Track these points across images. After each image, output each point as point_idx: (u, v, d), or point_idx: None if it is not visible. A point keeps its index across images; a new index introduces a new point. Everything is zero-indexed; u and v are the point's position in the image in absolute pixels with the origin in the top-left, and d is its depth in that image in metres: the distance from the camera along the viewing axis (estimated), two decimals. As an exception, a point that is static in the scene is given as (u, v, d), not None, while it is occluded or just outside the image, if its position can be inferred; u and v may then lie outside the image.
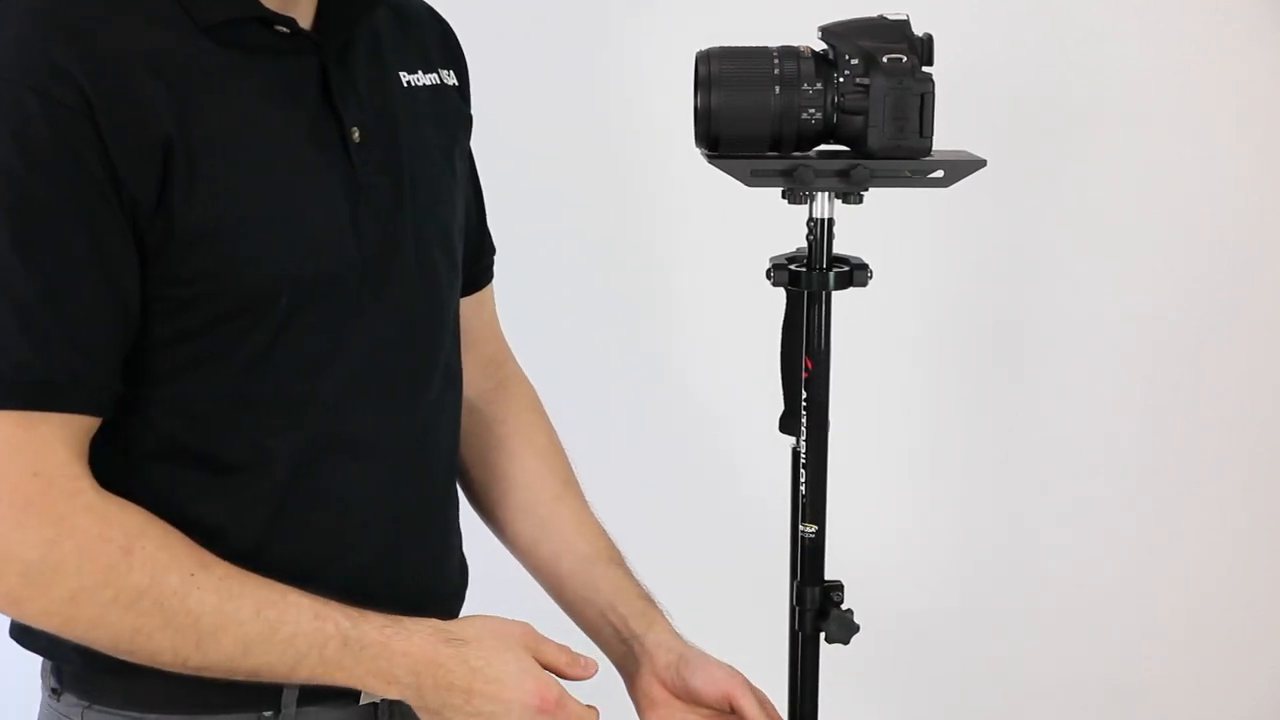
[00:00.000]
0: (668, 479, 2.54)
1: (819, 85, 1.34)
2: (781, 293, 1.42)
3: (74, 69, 1.16)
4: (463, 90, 1.49)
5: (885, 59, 1.34)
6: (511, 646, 1.28)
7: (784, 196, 1.38)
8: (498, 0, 2.40)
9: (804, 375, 1.40)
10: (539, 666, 1.29)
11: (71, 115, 1.16)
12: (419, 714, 1.28)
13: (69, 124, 1.16)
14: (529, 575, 1.56)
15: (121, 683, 1.28)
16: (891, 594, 2.36)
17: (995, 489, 2.58)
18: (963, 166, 1.37)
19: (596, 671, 1.34)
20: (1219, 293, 2.51)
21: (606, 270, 2.52)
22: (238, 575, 1.21)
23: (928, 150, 1.36)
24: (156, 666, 1.20)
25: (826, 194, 1.38)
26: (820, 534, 1.42)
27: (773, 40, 1.37)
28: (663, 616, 1.49)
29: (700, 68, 1.35)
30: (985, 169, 1.39)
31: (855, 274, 1.41)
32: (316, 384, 1.29)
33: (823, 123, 1.35)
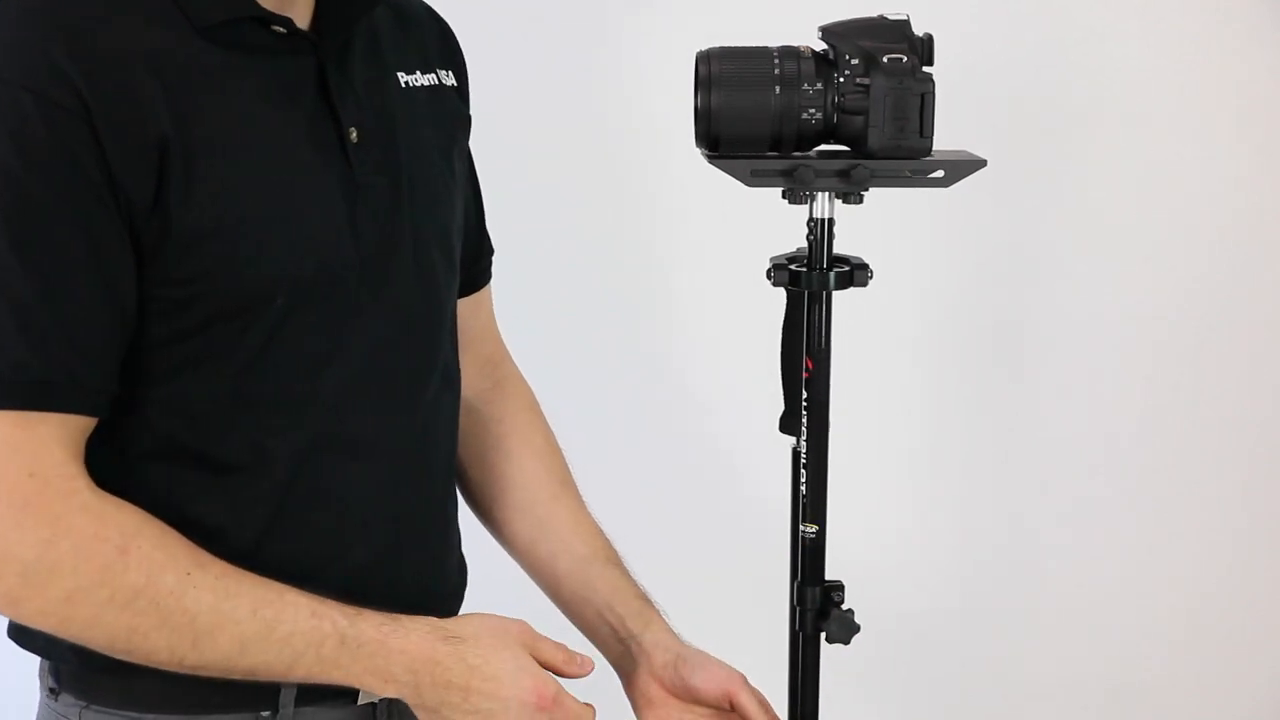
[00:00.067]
0: (668, 479, 2.54)
1: (819, 85, 1.34)
2: (781, 293, 1.42)
3: (71, 70, 1.16)
4: (461, 90, 1.49)
5: (885, 59, 1.34)
6: (509, 644, 1.28)
7: (784, 196, 1.38)
8: (498, 0, 2.40)
9: (804, 375, 1.40)
10: (536, 664, 1.29)
11: (68, 116, 1.16)
12: (416, 712, 1.28)
13: (66, 125, 1.16)
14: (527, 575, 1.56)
15: (119, 682, 1.28)
16: (891, 594, 2.36)
17: (995, 489, 2.58)
18: (963, 166, 1.37)
19: (593, 669, 1.34)
20: (1219, 293, 2.51)
21: (607, 270, 2.52)
22: (234, 574, 1.21)
23: (928, 150, 1.36)
24: (153, 666, 1.20)
25: (826, 194, 1.38)
26: (821, 534, 1.42)
27: (773, 40, 1.37)
28: (660, 616, 1.49)
29: (700, 68, 1.35)
30: (985, 169, 1.39)
31: (855, 274, 1.41)
32: (315, 384, 1.29)
33: (823, 123, 1.35)
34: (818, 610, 1.43)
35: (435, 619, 1.28)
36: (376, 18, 1.38)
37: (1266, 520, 2.57)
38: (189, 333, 1.23)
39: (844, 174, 1.36)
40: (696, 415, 2.54)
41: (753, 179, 1.37)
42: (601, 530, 1.54)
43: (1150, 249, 2.50)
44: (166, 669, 1.21)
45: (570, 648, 1.33)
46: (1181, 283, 2.51)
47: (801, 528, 1.42)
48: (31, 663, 1.35)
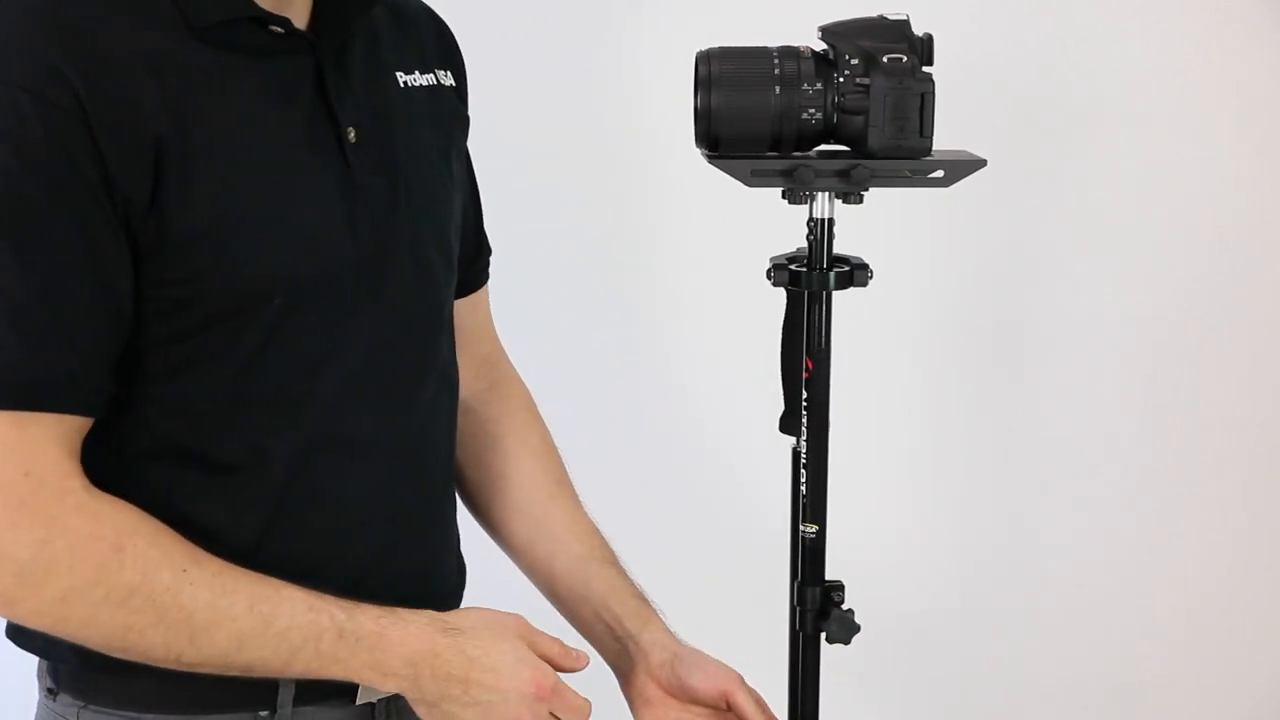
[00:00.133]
0: (668, 479, 2.54)
1: (819, 85, 1.34)
2: (782, 293, 1.42)
3: (68, 70, 1.16)
4: (460, 90, 1.49)
5: (885, 59, 1.34)
6: (507, 636, 1.29)
7: (784, 196, 1.38)
8: (498, 0, 2.40)
9: (804, 375, 1.40)
10: (534, 655, 1.29)
11: (65, 117, 1.16)
12: (415, 707, 1.28)
13: (63, 125, 1.16)
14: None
15: (117, 682, 1.28)
16: (891, 594, 2.36)
17: (995, 489, 2.58)
18: (963, 166, 1.37)
19: (588, 664, 1.35)
20: (1219, 293, 2.51)
21: (607, 270, 2.52)
22: (230, 571, 1.21)
23: (928, 150, 1.36)
24: (151, 663, 1.20)
25: (826, 194, 1.38)
26: (821, 534, 1.42)
27: (773, 40, 1.37)
28: (657, 615, 1.49)
29: (700, 68, 1.35)
30: (985, 169, 1.39)
31: (855, 274, 1.41)
32: (313, 384, 1.29)
33: (823, 123, 1.35)
34: (818, 610, 1.43)
35: (434, 612, 1.29)
36: (375, 18, 1.38)
37: (1266, 520, 2.57)
38: (187, 333, 1.23)
39: (844, 174, 1.36)
40: (696, 415, 2.54)
41: (753, 179, 1.37)
42: (598, 530, 1.54)
43: (1150, 249, 2.50)
44: (164, 667, 1.21)
45: (565, 643, 1.33)
46: (1181, 283, 2.51)
47: (801, 528, 1.43)
48: (31, 663, 1.35)
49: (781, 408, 1.43)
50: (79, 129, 1.16)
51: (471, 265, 1.54)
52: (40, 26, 1.17)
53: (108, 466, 1.22)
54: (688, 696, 1.44)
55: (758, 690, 1.46)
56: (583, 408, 2.42)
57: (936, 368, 2.55)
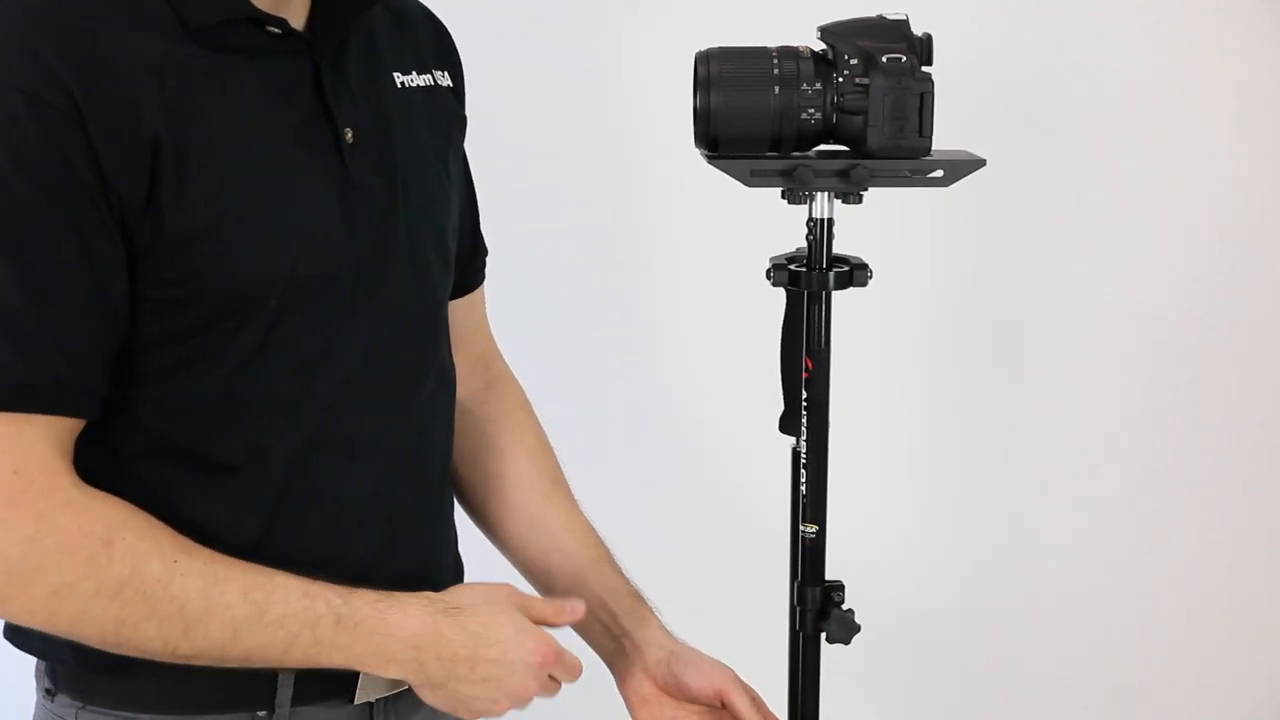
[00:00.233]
0: (668, 479, 2.54)
1: (818, 85, 1.34)
2: (781, 293, 1.42)
3: (63, 71, 1.16)
4: (457, 91, 1.49)
5: (884, 59, 1.34)
6: (505, 608, 1.30)
7: (784, 196, 1.38)
8: (498, 0, 2.40)
9: (804, 375, 1.40)
10: (532, 623, 1.30)
11: (60, 117, 1.16)
12: (419, 691, 1.28)
13: (58, 126, 1.16)
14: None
15: (115, 683, 1.28)
16: (891, 594, 2.36)
17: (995, 489, 2.58)
18: (962, 166, 1.37)
19: (584, 613, 1.37)
20: (1219, 293, 2.51)
21: (607, 270, 2.52)
22: (223, 560, 1.21)
23: (927, 150, 1.36)
24: (148, 657, 1.20)
25: (826, 194, 1.38)
26: (821, 534, 1.42)
27: (772, 40, 1.37)
28: (653, 613, 1.49)
29: (700, 68, 1.35)
30: (985, 169, 1.39)
31: (855, 274, 1.41)
32: (311, 384, 1.29)
33: (822, 123, 1.35)
34: (818, 610, 1.43)
35: (430, 593, 1.29)
36: (372, 18, 1.37)
37: (1266, 520, 2.57)
38: (184, 333, 1.23)
39: (843, 174, 1.36)
40: (696, 415, 2.54)
41: (752, 179, 1.37)
42: (594, 528, 1.54)
43: (1150, 249, 2.50)
44: (162, 660, 1.20)
45: (554, 600, 1.37)
46: (1181, 283, 2.51)
47: (801, 528, 1.43)
48: (31, 663, 1.35)
49: (781, 408, 1.43)
50: (74, 130, 1.16)
51: (468, 265, 1.54)
52: (36, 27, 1.17)
53: (104, 467, 1.22)
54: (683, 695, 1.44)
55: (757, 689, 1.46)
56: (583, 408, 2.43)
57: (936, 368, 2.55)
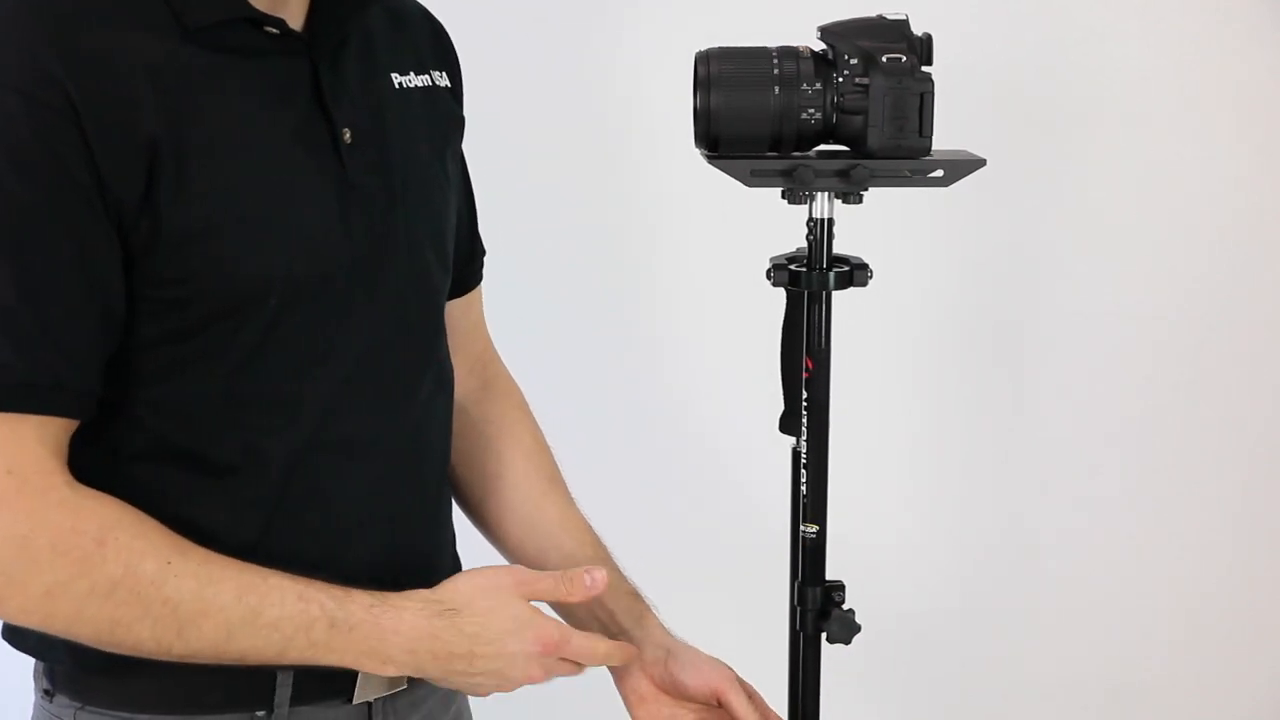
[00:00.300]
0: (668, 479, 2.54)
1: (818, 85, 1.34)
2: (781, 293, 1.42)
3: (59, 71, 1.16)
4: (455, 91, 1.49)
5: (884, 59, 1.34)
6: (504, 600, 1.29)
7: (784, 196, 1.38)
8: (498, 0, 2.40)
9: (804, 375, 1.40)
10: (534, 611, 1.29)
11: (56, 117, 1.16)
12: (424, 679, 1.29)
13: (53, 126, 1.16)
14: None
15: (113, 683, 1.28)
16: (891, 594, 2.36)
17: (995, 489, 2.58)
18: (962, 166, 1.37)
19: (604, 583, 1.33)
20: (1219, 293, 2.51)
21: (607, 270, 2.52)
22: (218, 561, 1.21)
23: (927, 150, 1.36)
24: (144, 657, 1.20)
25: (826, 194, 1.38)
26: (821, 534, 1.42)
27: (772, 40, 1.37)
28: (650, 612, 1.49)
29: (700, 68, 1.35)
30: (985, 169, 1.39)
31: (855, 274, 1.41)
32: (310, 384, 1.29)
33: (822, 123, 1.35)
34: (818, 610, 1.43)
35: (425, 591, 1.29)
36: (371, 18, 1.37)
37: (1266, 520, 2.57)
38: (182, 333, 1.23)
39: (843, 174, 1.36)
40: (696, 415, 2.54)
41: (752, 179, 1.37)
42: (591, 527, 1.54)
43: (1150, 249, 2.50)
44: (158, 659, 1.20)
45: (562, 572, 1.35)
46: (1181, 283, 2.51)
47: (802, 528, 1.42)
48: (30, 663, 1.35)
49: (781, 408, 1.43)
50: (70, 130, 1.16)
51: (466, 266, 1.54)
52: (31, 27, 1.17)
53: (104, 467, 1.22)
54: (680, 694, 1.44)
55: (757, 689, 1.46)
56: (583, 408, 2.43)
57: (936, 368, 2.55)
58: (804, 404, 1.41)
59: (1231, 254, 2.50)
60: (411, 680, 1.33)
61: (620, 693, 1.48)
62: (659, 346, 2.55)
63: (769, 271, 1.41)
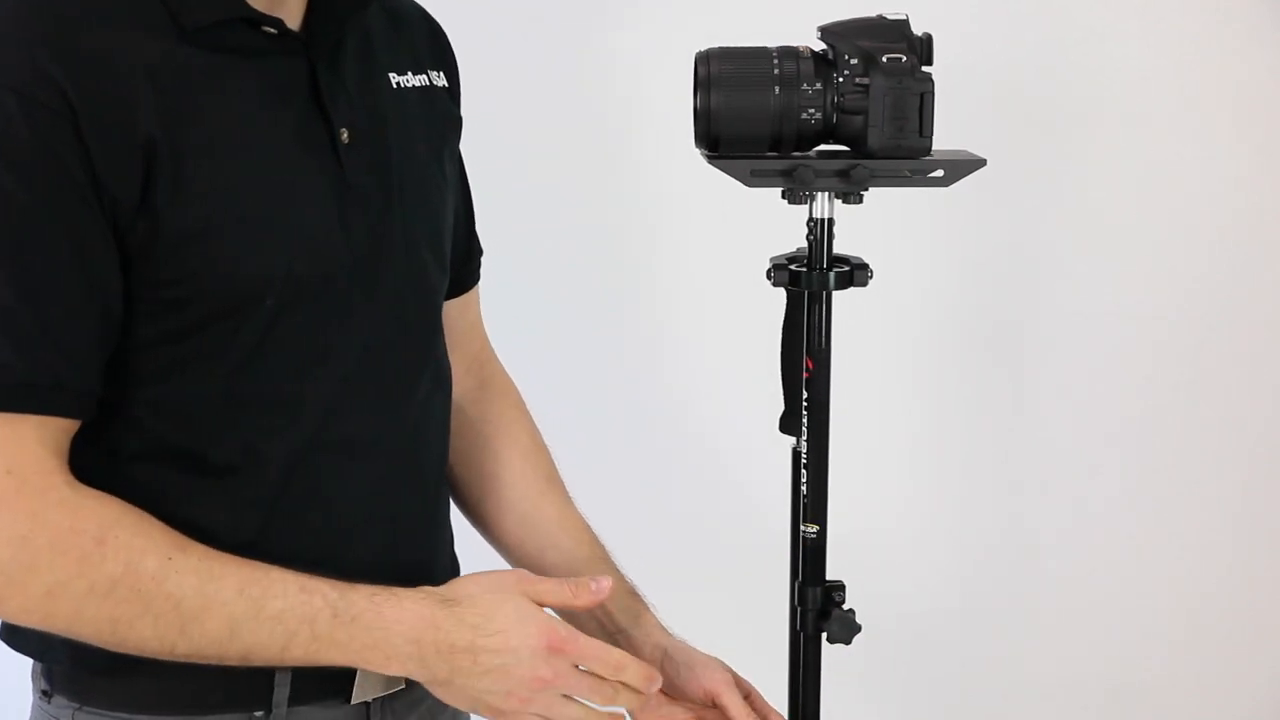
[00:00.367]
0: (668, 479, 2.54)
1: (818, 85, 1.34)
2: (782, 293, 1.42)
3: (55, 71, 1.16)
4: (452, 91, 1.49)
5: (885, 59, 1.34)
6: (508, 596, 1.26)
7: (784, 196, 1.38)
8: (497, 0, 2.40)
9: (804, 375, 1.40)
10: (539, 609, 1.27)
11: (52, 116, 1.15)
12: (431, 689, 1.26)
13: (50, 125, 1.15)
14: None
15: (112, 684, 1.28)
16: (891, 594, 2.36)
17: (995, 489, 2.58)
18: (963, 166, 1.37)
19: (608, 588, 1.31)
20: (1219, 293, 2.51)
21: (607, 271, 2.52)
22: (218, 557, 1.21)
23: (927, 150, 1.36)
24: (148, 656, 1.20)
25: (826, 194, 1.38)
26: (821, 534, 1.42)
27: (772, 40, 1.37)
28: (648, 610, 1.49)
29: (700, 68, 1.35)
30: (985, 169, 1.39)
31: (855, 274, 1.40)
32: (308, 384, 1.29)
33: (822, 123, 1.35)
34: (819, 610, 1.43)
35: (429, 587, 1.27)
36: (368, 18, 1.37)
37: (1266, 520, 2.57)
38: (181, 334, 1.23)
39: (844, 174, 1.36)
40: (696, 415, 2.54)
41: (752, 179, 1.37)
42: (589, 526, 1.54)
43: (1150, 249, 2.50)
44: (161, 659, 1.20)
45: (572, 580, 1.31)
46: (1181, 283, 2.51)
47: (802, 528, 1.42)
48: (29, 664, 1.35)
49: (781, 408, 1.43)
50: (66, 129, 1.16)
51: (464, 266, 1.54)
52: (28, 27, 1.17)
53: (101, 468, 1.22)
54: (677, 695, 1.44)
55: (758, 689, 1.46)
56: (583, 408, 2.43)
57: (936, 368, 2.55)
58: (804, 404, 1.41)
59: (1231, 254, 2.50)
60: (409, 680, 1.33)
61: (619, 692, 1.47)
62: (659, 346, 2.55)
63: (769, 271, 1.41)
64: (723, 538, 2.52)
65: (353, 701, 1.32)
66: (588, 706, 1.26)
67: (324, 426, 1.29)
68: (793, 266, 1.41)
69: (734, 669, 1.46)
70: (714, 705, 1.43)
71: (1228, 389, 2.54)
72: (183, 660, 1.20)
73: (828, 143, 1.38)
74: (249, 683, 1.27)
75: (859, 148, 1.36)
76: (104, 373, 1.22)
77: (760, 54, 1.35)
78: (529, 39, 2.42)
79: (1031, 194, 2.48)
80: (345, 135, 1.30)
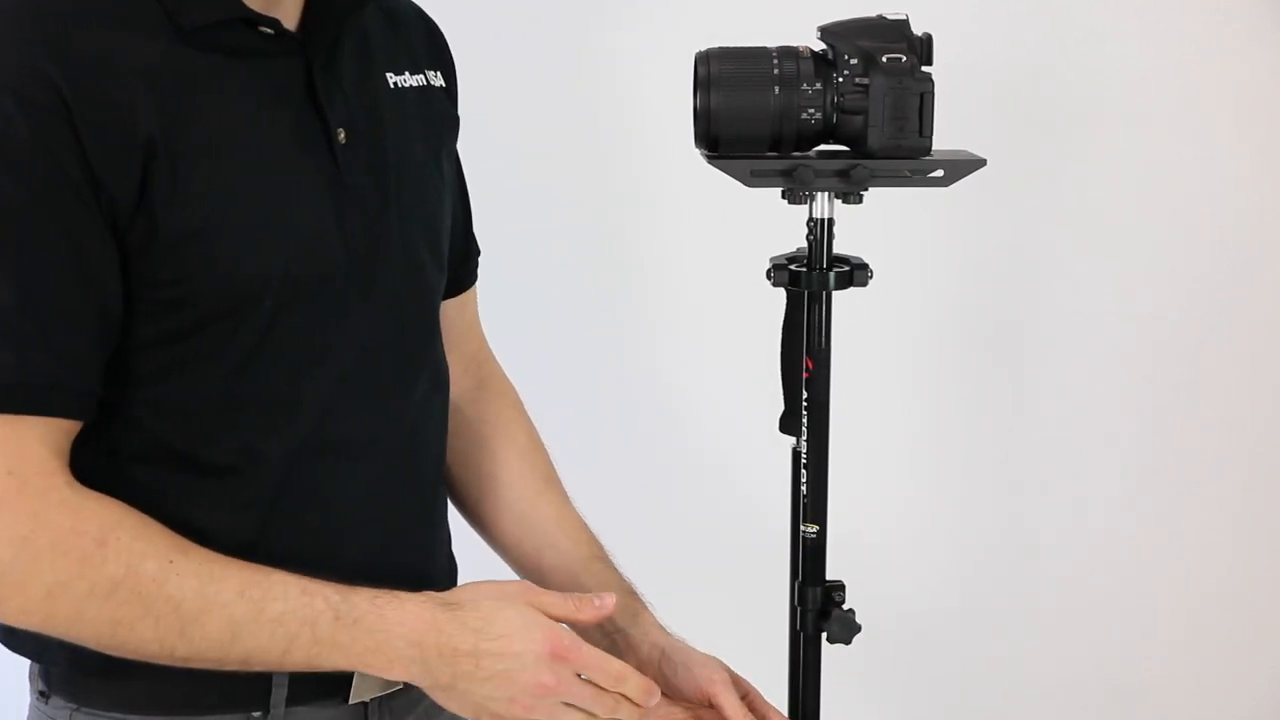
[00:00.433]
0: (668, 479, 2.54)
1: (818, 85, 1.34)
2: (781, 293, 1.42)
3: (51, 71, 1.15)
4: (450, 91, 1.49)
5: (884, 59, 1.34)
6: (511, 603, 1.25)
7: (784, 196, 1.38)
8: (497, 0, 2.40)
9: (804, 375, 1.40)
10: (543, 615, 1.26)
11: (49, 116, 1.15)
12: (433, 695, 1.25)
13: (46, 125, 1.15)
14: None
15: (109, 685, 1.28)
16: (891, 594, 2.36)
17: (995, 489, 2.58)
18: (962, 166, 1.37)
19: (612, 606, 1.30)
20: (1219, 293, 2.51)
21: (607, 271, 2.52)
22: (219, 559, 1.20)
23: (927, 150, 1.36)
24: (147, 659, 1.19)
25: (826, 194, 1.38)
26: (821, 534, 1.42)
27: (772, 40, 1.37)
28: (645, 609, 1.48)
29: (699, 68, 1.35)
30: (985, 169, 1.38)
31: (855, 274, 1.40)
32: (306, 384, 1.29)
33: (822, 123, 1.35)
34: (819, 610, 1.43)
35: (431, 591, 1.27)
36: (365, 18, 1.37)
37: (1266, 520, 2.57)
38: (179, 334, 1.23)
39: (843, 174, 1.36)
40: (696, 416, 2.54)
41: (752, 179, 1.37)
42: (587, 525, 1.54)
43: (1150, 249, 2.50)
44: (160, 663, 1.20)
45: (577, 596, 1.30)
46: (1181, 283, 2.51)
47: (802, 528, 1.42)
48: (26, 665, 1.35)
49: (781, 408, 1.43)
50: (63, 129, 1.16)
51: (461, 266, 1.54)
52: (24, 28, 1.17)
53: (100, 468, 1.22)
54: (675, 694, 1.43)
55: (757, 689, 1.46)
56: (583, 409, 2.43)
57: (936, 368, 2.55)
58: (804, 404, 1.41)
59: (1231, 254, 2.50)
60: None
61: (617, 692, 1.47)
62: (659, 347, 2.55)
63: (769, 271, 1.41)
64: (723, 538, 2.52)
65: (350, 701, 1.32)
66: (590, 714, 1.26)
67: (321, 427, 1.29)
68: (793, 266, 1.41)
69: (733, 668, 1.46)
70: (711, 705, 1.43)
71: (1228, 389, 2.53)
72: (182, 664, 1.20)
73: (828, 143, 1.38)
74: (247, 683, 1.27)
75: (859, 148, 1.36)
76: (104, 373, 1.21)
77: (760, 54, 1.35)
78: (527, 39, 2.42)
79: (1031, 194, 2.48)
80: (342, 135, 1.30)
